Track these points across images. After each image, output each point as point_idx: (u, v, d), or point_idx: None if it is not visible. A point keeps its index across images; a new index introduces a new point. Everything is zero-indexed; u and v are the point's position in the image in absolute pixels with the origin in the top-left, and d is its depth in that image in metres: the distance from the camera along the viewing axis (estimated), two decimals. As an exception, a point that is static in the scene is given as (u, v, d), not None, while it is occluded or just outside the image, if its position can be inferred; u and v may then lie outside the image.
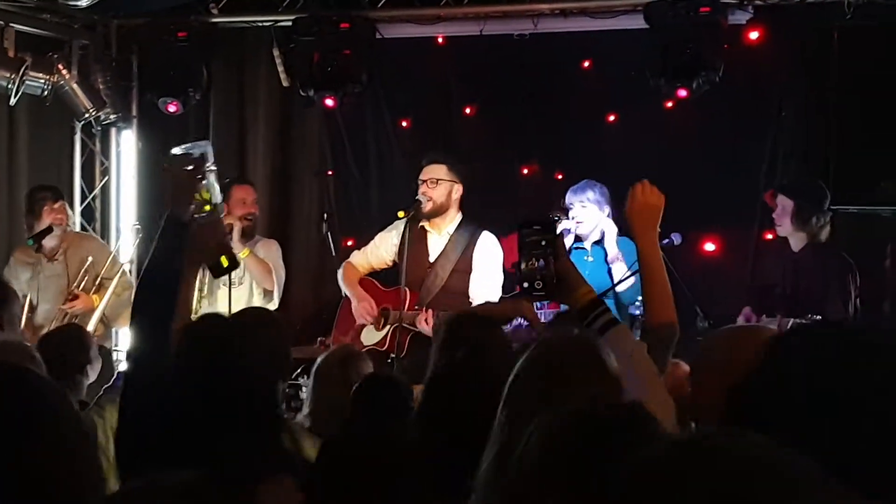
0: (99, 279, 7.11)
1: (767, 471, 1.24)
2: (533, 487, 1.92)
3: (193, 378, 2.83)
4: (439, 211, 6.45)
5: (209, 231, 3.53)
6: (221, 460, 2.55)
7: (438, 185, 6.43)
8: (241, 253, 6.86)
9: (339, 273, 6.83)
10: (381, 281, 6.71)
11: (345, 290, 6.72)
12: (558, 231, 2.83)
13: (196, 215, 3.40)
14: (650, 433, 1.88)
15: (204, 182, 3.48)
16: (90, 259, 7.12)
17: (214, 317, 3.63)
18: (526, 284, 2.79)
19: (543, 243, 2.78)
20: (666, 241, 6.59)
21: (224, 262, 3.56)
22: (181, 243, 3.27)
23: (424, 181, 6.47)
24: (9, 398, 2.01)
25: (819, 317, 5.87)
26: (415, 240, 6.48)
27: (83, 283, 7.07)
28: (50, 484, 2.02)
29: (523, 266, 2.79)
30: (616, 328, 2.74)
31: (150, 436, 2.81)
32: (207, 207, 3.46)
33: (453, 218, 6.55)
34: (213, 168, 3.54)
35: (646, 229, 3.08)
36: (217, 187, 3.55)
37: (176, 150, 3.62)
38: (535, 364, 2.46)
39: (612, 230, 6.68)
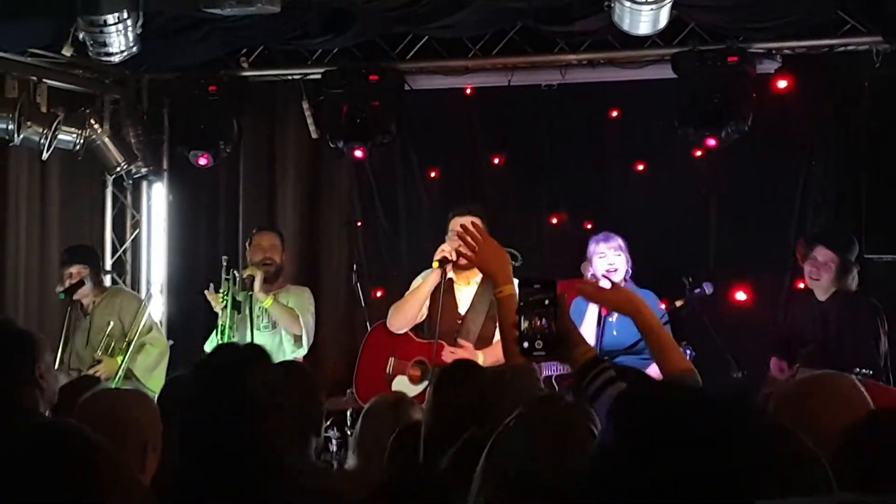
0: (128, 339, 7.08)
1: None
2: None
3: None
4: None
5: None
6: None
7: None
8: (265, 302, 6.95)
9: (392, 315, 6.56)
10: (415, 331, 6.55)
11: (416, 293, 6.42)
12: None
13: None
14: None
15: None
16: (112, 323, 7.14)
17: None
18: (526, 344, 2.77)
19: (547, 302, 2.76)
20: (698, 290, 6.58)
21: None
22: None
23: None
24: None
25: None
26: (443, 292, 6.43)
27: (111, 347, 7.07)
28: None
29: (525, 325, 2.76)
30: (616, 386, 2.71)
31: None
32: None
33: None
34: None
35: (637, 310, 3.09)
36: None
37: None
38: (517, 436, 2.42)
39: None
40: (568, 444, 2.37)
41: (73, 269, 7.16)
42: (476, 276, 6.40)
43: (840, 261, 6.42)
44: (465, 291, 6.42)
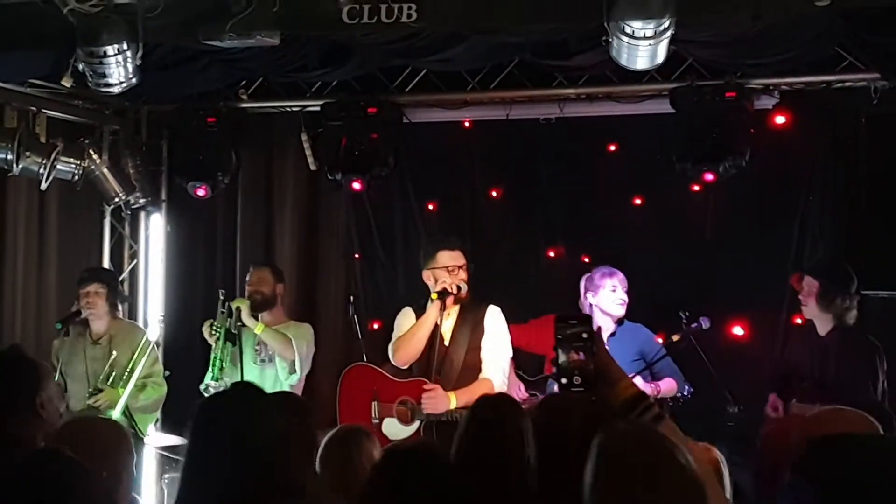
0: (136, 375, 7.02)
1: None
2: None
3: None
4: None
5: None
6: None
7: (465, 270, 6.34)
8: (256, 328, 7.03)
9: (392, 350, 6.41)
10: (391, 372, 6.44)
11: (420, 326, 6.28)
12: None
13: None
14: None
15: None
16: (115, 353, 7.10)
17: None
18: (565, 380, 2.73)
19: (585, 336, 2.73)
20: (695, 324, 6.58)
21: None
22: None
23: (459, 267, 6.29)
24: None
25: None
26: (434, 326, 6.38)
27: (111, 377, 7.04)
28: None
29: (562, 360, 2.72)
30: (665, 423, 2.66)
31: None
32: None
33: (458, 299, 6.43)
34: None
35: None
36: None
37: None
38: (610, 467, 2.35)
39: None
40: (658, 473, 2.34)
41: (91, 288, 7.16)
42: (453, 308, 6.36)
43: (820, 286, 6.39)
44: (446, 324, 6.35)
